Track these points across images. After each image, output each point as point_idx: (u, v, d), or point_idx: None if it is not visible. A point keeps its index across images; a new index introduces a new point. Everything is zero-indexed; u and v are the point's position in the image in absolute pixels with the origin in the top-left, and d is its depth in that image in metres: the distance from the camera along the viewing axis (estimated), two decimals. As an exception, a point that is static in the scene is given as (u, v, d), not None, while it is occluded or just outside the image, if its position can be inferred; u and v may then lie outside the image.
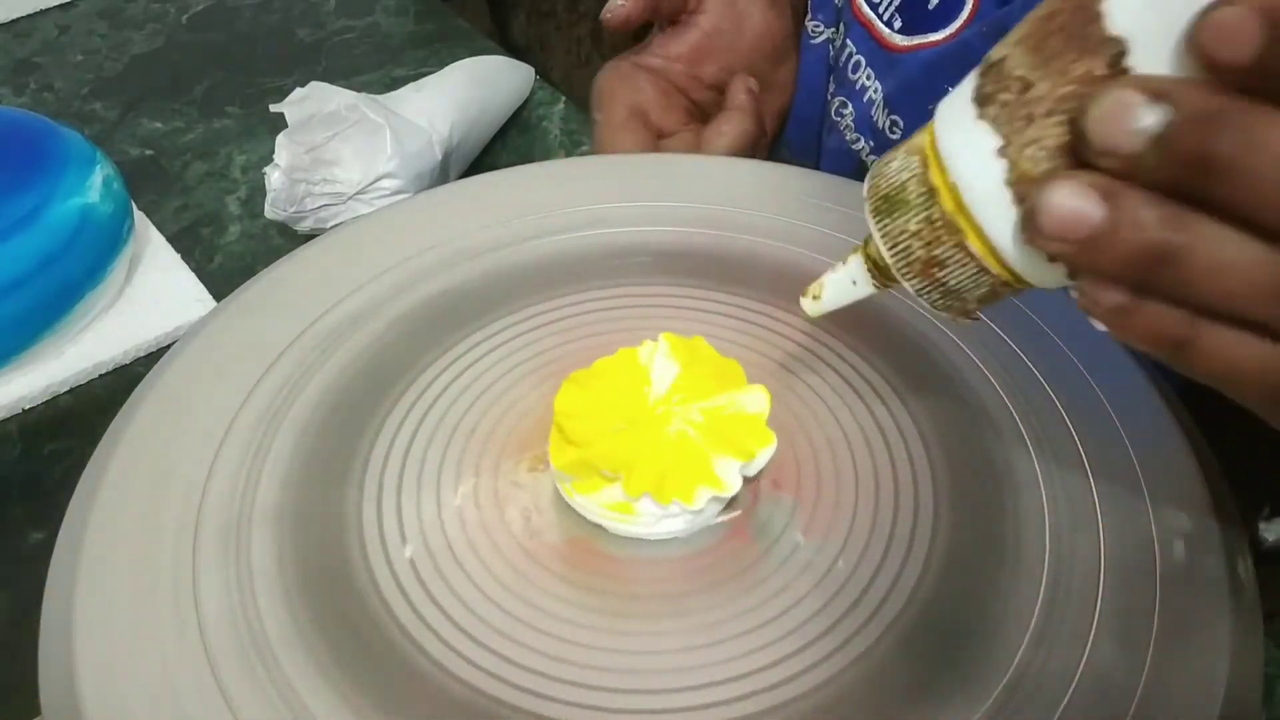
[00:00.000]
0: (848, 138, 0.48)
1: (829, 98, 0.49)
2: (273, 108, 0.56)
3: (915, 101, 0.44)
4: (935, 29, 0.42)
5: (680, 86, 0.53)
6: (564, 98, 0.69)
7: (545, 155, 0.65)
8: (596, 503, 0.31)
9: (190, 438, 0.33)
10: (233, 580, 0.29)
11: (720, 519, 0.32)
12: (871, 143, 0.47)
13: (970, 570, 0.30)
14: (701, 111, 0.53)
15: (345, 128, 0.55)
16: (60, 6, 0.79)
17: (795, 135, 0.54)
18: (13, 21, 0.77)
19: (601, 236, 0.40)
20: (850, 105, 0.48)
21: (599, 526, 0.31)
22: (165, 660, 0.28)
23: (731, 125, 0.49)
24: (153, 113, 0.69)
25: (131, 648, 0.28)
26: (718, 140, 0.47)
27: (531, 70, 0.67)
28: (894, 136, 0.45)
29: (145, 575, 0.30)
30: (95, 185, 0.53)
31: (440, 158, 0.58)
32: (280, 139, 0.56)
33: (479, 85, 0.62)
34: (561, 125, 0.68)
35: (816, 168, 0.51)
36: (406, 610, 0.29)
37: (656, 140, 0.50)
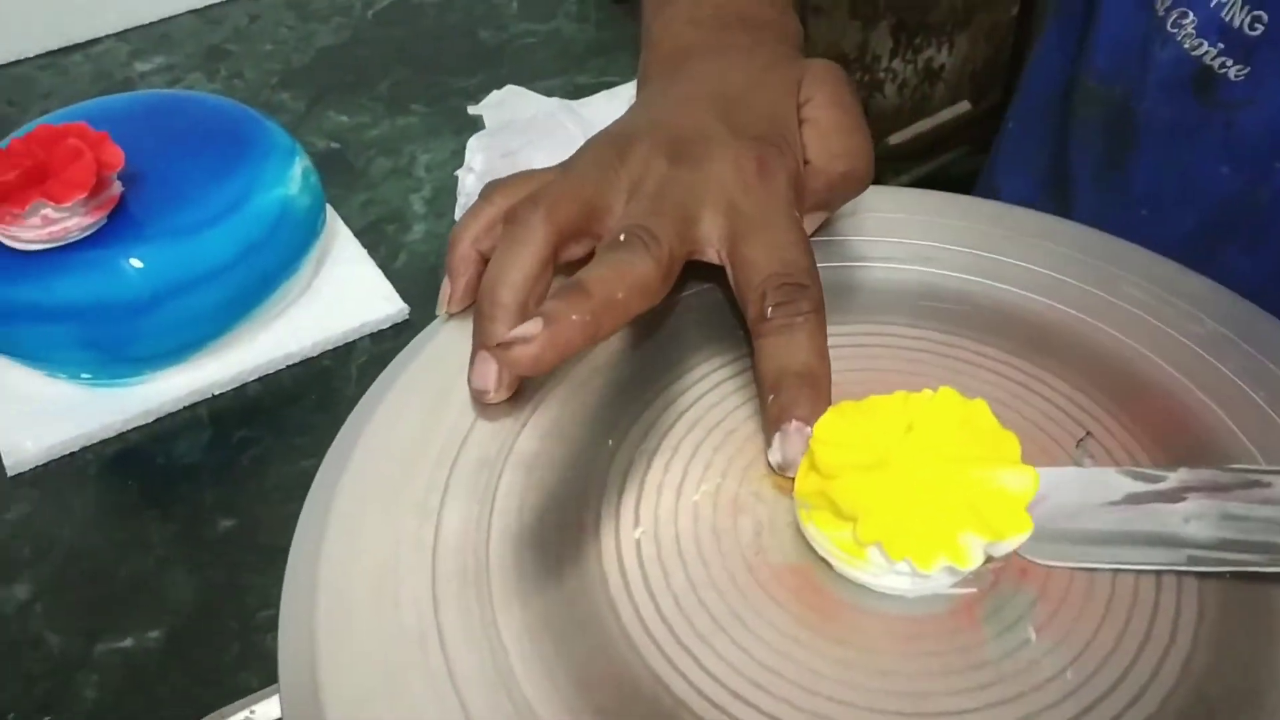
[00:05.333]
0: (1186, 45, 0.51)
1: (1161, 13, 0.52)
2: (471, 110, 0.56)
3: None
4: None
5: None
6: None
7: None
8: (827, 536, 0.30)
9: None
10: (473, 515, 0.30)
11: (951, 590, 0.30)
12: (1221, 44, 0.50)
13: None
14: None
15: (539, 135, 0.55)
16: (251, -5, 0.80)
17: (1107, 62, 0.56)
18: (206, 7, 0.79)
19: (920, 274, 0.39)
20: (1191, 13, 0.50)
21: (825, 561, 0.30)
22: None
23: None
24: (339, 106, 0.70)
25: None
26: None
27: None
28: (1254, 32, 0.48)
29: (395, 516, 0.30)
30: (295, 177, 0.53)
31: (631, 170, 0.57)
32: (472, 142, 0.56)
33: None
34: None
35: (1139, 88, 0.54)
36: (623, 594, 0.29)
37: None
